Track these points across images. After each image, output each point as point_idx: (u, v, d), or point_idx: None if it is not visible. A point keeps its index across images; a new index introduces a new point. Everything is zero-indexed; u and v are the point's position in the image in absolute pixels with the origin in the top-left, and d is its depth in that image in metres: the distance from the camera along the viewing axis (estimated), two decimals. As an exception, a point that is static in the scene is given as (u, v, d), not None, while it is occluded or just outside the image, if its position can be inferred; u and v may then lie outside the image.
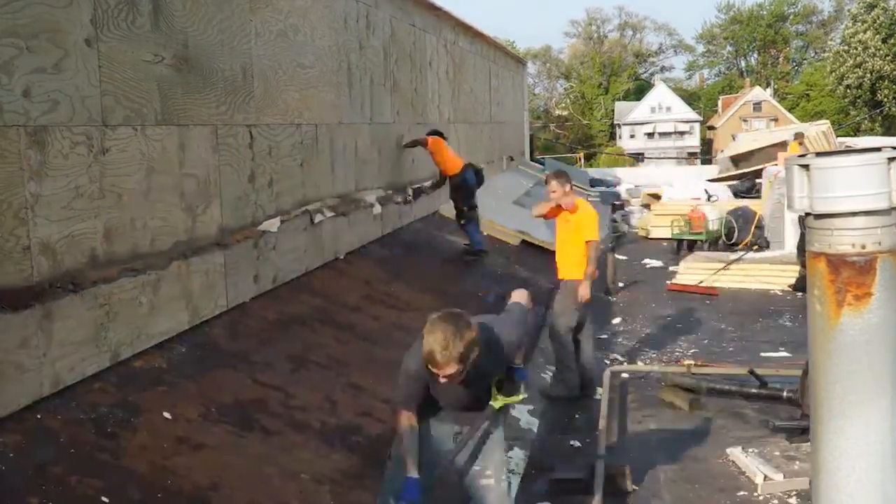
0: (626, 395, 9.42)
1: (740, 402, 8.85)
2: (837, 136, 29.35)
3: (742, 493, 6.81)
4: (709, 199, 19.77)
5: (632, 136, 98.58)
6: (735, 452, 7.45)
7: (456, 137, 17.73)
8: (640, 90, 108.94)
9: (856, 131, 64.23)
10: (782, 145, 27.76)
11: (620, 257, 18.00)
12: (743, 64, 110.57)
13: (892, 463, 4.05)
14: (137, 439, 5.29)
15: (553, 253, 9.91)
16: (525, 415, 8.48)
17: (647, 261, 18.37)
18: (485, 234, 15.50)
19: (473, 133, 19.86)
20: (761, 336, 11.68)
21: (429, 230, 14.32)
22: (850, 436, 4.06)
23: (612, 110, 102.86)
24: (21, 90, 5.10)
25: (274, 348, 7.35)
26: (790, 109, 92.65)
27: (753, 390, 8.87)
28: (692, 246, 19.06)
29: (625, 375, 10.03)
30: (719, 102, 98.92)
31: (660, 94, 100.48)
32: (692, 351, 11.04)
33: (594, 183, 33.93)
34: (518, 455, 7.48)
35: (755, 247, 17.76)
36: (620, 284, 15.55)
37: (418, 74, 14.66)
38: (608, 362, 10.55)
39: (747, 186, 25.48)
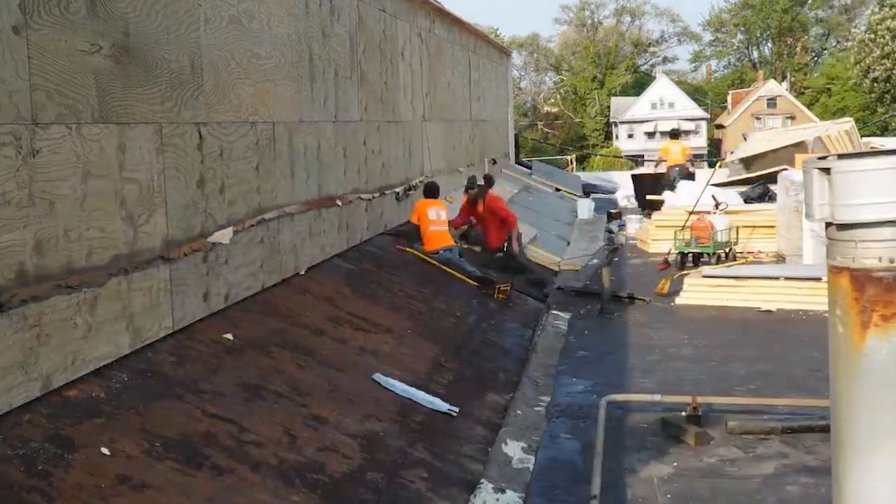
0: (625, 427, 9.46)
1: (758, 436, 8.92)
2: (862, 136, 29.56)
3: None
4: (716, 207, 19.81)
5: (630, 136, 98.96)
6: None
7: (432, 137, 17.80)
8: (639, 84, 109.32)
9: (883, 130, 64.69)
10: (800, 146, 27.96)
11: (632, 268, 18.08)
12: (755, 54, 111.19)
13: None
14: (72, 478, 5.30)
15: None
16: (519, 452, 8.51)
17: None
18: (464, 246, 15.57)
19: (451, 133, 19.93)
20: (786, 363, 11.74)
21: (400, 242, 14.36)
22: (878, 476, 3.95)
23: (608, 107, 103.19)
24: (-60, 84, 5.13)
25: (226, 376, 7.37)
26: (809, 106, 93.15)
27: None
28: (698, 260, 19.11)
29: (623, 400, 10.07)
30: (729, 98, 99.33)
31: (661, 88, 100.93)
32: (701, 377, 11.09)
33: (588, 189, 34.03)
34: (512, 499, 7.51)
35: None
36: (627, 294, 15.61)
37: (389, 66, 14.73)
38: (597, 398, 10.60)
39: (759, 192, 25.58)
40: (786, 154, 28.01)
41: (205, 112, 8.20)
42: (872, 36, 72.35)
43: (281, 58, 10.03)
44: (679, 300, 15.66)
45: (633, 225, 23.84)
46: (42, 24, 5.97)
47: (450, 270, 13.95)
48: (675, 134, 31.15)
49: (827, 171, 4.03)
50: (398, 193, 15.10)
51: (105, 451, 5.66)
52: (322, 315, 9.73)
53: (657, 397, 9.97)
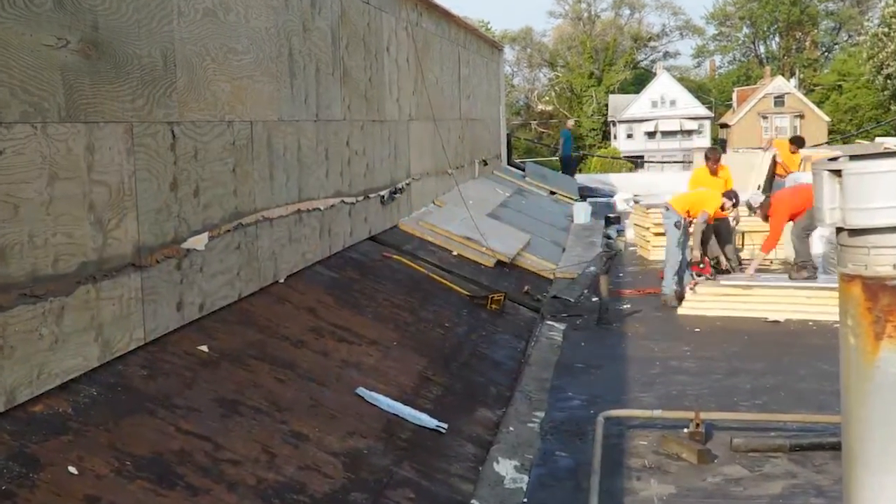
0: (623, 444, 9.49)
1: (765, 453, 8.96)
2: (875, 136, 29.55)
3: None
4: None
5: (629, 136, 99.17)
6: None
7: (419, 137, 17.83)
8: (639, 81, 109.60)
9: (897, 130, 64.81)
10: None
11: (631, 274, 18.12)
12: (762, 49, 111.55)
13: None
14: (37, 498, 5.31)
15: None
16: (511, 471, 8.53)
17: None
18: (454, 252, 15.60)
19: (439, 132, 19.95)
20: (795, 377, 11.78)
21: (386, 248, 14.38)
22: (892, 496, 3.99)
23: (606, 105, 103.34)
24: None
25: (201, 390, 7.38)
26: (819, 104, 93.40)
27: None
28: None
29: (621, 416, 10.09)
30: (734, 95, 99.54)
31: (663, 85, 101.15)
32: (704, 392, 11.12)
33: (584, 192, 34.05)
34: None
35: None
36: (626, 305, 15.64)
37: (374, 62, 14.75)
38: (594, 413, 10.63)
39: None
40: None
41: (178, 110, 8.21)
42: (886, 30, 72.61)
43: (259, 53, 10.05)
44: (681, 310, 15.70)
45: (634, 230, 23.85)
46: (5, 18, 5.97)
47: (440, 279, 13.98)
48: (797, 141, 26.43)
49: (838, 172, 4.03)
50: (383, 197, 15.13)
51: (72, 470, 5.67)
52: (303, 326, 9.74)
53: (657, 413, 10.00)
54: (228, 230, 9.19)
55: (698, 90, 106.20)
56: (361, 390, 8.74)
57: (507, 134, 37.54)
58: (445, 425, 8.77)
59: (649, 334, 14.39)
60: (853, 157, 4.08)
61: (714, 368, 12.27)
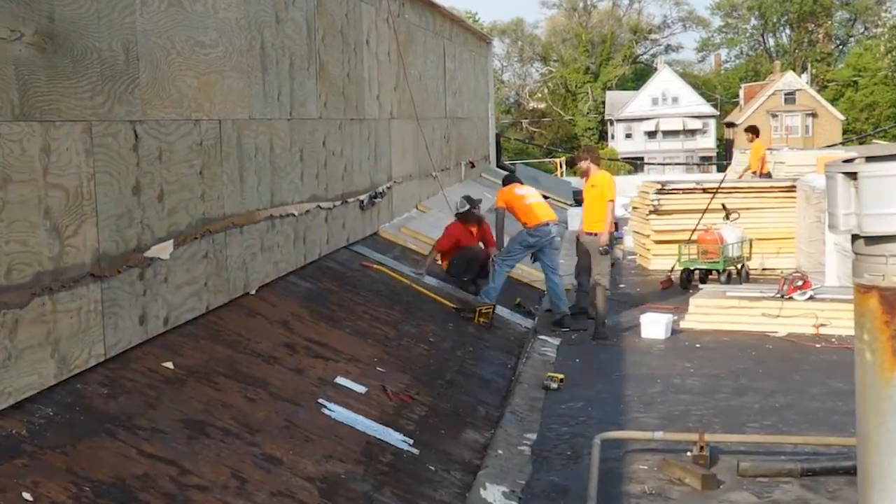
0: (622, 469, 9.51)
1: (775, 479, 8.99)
2: (894, 135, 29.63)
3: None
4: (727, 218, 19.88)
5: (628, 136, 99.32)
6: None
7: (401, 137, 17.86)
8: (638, 76, 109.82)
9: (917, 130, 65.04)
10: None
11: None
12: (771, 42, 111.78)
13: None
14: (-11, 528, 5.32)
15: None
16: (500, 498, 8.55)
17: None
18: (439, 261, 15.62)
19: (423, 132, 19.98)
20: (806, 396, 11.82)
21: (365, 257, 14.40)
22: None
23: (603, 103, 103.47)
24: None
25: (165, 410, 7.39)
26: (833, 101, 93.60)
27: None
28: (705, 278, 19.19)
29: (619, 438, 10.12)
30: (741, 92, 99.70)
31: (664, 81, 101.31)
32: (708, 412, 11.16)
33: (579, 196, 34.05)
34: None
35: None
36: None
37: (352, 55, 14.78)
38: (590, 435, 10.66)
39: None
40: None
41: (141, 108, 8.22)
42: (905, 22, 72.83)
43: (228, 46, 10.07)
44: (684, 323, 15.73)
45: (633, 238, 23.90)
46: (-45, 8, 5.99)
47: (425, 291, 14.00)
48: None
49: (853, 175, 4.02)
50: (363, 202, 15.15)
51: (27, 496, 5.67)
52: (276, 341, 9.76)
53: (658, 435, 10.02)
54: (195, 237, 9.20)
55: (703, 86, 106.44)
56: (326, 404, 8.75)
57: (497, 134, 37.62)
58: (414, 446, 8.76)
59: (649, 349, 14.43)
60: (870, 159, 4.06)
61: (719, 387, 12.30)
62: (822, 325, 14.91)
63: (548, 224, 15.55)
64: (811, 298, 15.51)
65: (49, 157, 6.89)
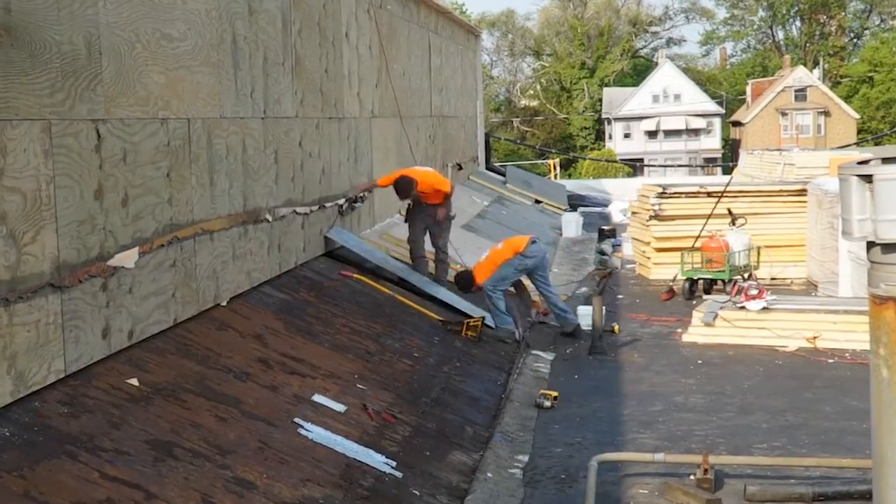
0: (620, 493, 9.53)
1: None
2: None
3: None
4: (733, 224, 19.90)
5: (626, 136, 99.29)
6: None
7: (382, 137, 17.87)
8: (638, 72, 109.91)
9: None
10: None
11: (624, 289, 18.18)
12: (781, 35, 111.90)
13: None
14: (-59, 557, 5.32)
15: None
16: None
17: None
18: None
19: (407, 131, 20.00)
20: (818, 415, 11.85)
21: (344, 266, 14.41)
22: None
23: (600, 100, 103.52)
24: None
25: (130, 430, 7.39)
26: (846, 98, 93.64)
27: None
28: (709, 288, 19.21)
29: (617, 460, 10.13)
30: (748, 89, 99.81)
31: (665, 77, 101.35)
32: (713, 432, 11.18)
33: (575, 201, 34.14)
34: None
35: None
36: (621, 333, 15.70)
37: (331, 50, 14.80)
38: (586, 457, 10.68)
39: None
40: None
41: (104, 106, 8.22)
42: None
43: (198, 39, 10.08)
44: (686, 337, 15.75)
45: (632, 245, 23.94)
46: None
47: (409, 302, 14.02)
48: None
49: (869, 178, 4.01)
50: (342, 206, 15.16)
51: (-18, 522, 5.68)
52: (248, 356, 9.77)
53: (659, 457, 10.04)
54: (162, 245, 9.20)
55: (707, 83, 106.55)
56: (303, 424, 8.76)
57: (486, 133, 37.71)
58: (397, 468, 8.78)
59: (649, 365, 14.43)
60: (886, 160, 4.06)
61: (725, 405, 12.32)
62: (815, 337, 14.99)
63: (535, 241, 15.62)
64: (765, 309, 15.68)
65: (5, 158, 6.88)
